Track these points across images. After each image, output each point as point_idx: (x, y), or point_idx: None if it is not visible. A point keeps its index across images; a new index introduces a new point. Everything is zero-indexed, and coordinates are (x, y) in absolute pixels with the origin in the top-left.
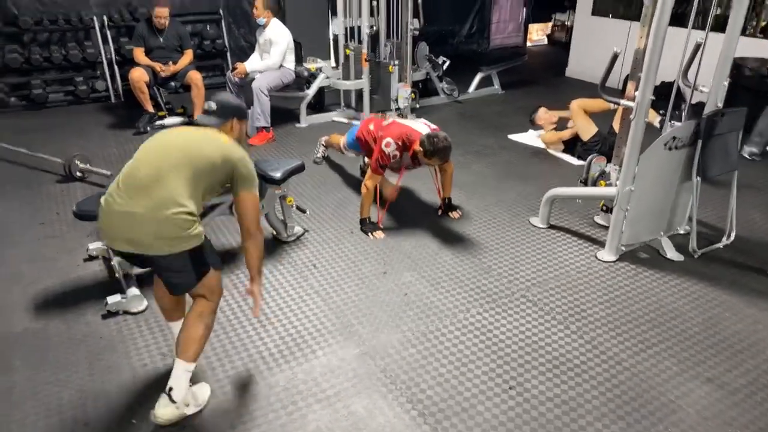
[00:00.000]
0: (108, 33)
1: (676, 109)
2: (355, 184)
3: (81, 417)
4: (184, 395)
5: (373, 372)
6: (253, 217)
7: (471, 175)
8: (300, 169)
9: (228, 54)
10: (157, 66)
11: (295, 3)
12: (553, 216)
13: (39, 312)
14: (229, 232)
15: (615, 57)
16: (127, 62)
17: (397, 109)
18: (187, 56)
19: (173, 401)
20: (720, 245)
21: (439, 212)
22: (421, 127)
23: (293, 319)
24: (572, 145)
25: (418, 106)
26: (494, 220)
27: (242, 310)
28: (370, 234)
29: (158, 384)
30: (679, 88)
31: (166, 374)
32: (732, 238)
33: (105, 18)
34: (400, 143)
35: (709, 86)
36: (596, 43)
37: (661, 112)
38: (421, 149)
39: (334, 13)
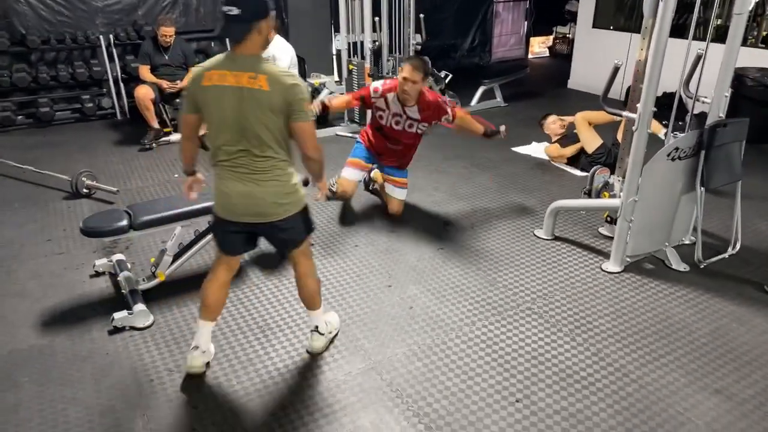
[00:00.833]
0: (114, 51)
1: (679, 119)
2: (360, 198)
3: None
4: (326, 328)
5: (380, 386)
6: (312, 144)
7: (474, 187)
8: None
9: None
10: (163, 83)
11: (298, 19)
12: (558, 227)
13: (45, 328)
14: None
15: (616, 70)
16: (132, 79)
17: None
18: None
19: (321, 333)
20: (726, 255)
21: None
22: None
23: (298, 333)
24: (576, 157)
25: None
26: (499, 232)
27: (248, 325)
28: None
29: (166, 399)
30: (681, 99)
31: (174, 389)
32: (737, 248)
33: (111, 36)
34: (385, 87)
35: (711, 97)
36: (598, 55)
37: (664, 123)
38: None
39: (337, 29)
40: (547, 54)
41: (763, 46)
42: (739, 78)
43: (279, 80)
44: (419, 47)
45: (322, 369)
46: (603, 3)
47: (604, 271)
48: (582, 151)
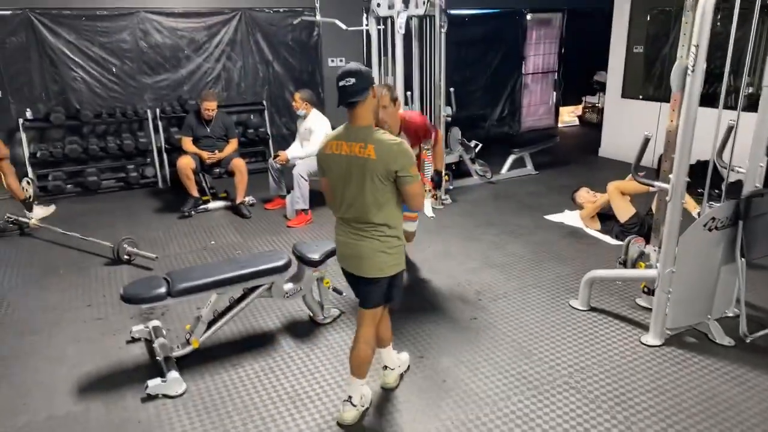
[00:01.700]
0: (159, 123)
1: (715, 187)
2: None
3: None
4: (359, 400)
5: None
6: (420, 203)
7: (507, 255)
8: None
9: (270, 141)
10: (204, 154)
11: (334, 93)
12: (594, 298)
13: (81, 394)
14: (266, 312)
15: (647, 141)
16: (174, 150)
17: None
18: (232, 145)
19: (354, 405)
20: None
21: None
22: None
23: (329, 405)
24: (607, 219)
25: (452, 187)
26: (533, 302)
27: (279, 395)
28: None
29: None
30: (716, 167)
31: None
32: None
33: (158, 110)
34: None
35: (745, 166)
36: (628, 124)
37: (699, 191)
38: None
39: None
40: (577, 123)
41: None
42: None
43: (385, 148)
44: (449, 119)
45: None
46: (631, 74)
47: (643, 344)
48: (614, 218)
